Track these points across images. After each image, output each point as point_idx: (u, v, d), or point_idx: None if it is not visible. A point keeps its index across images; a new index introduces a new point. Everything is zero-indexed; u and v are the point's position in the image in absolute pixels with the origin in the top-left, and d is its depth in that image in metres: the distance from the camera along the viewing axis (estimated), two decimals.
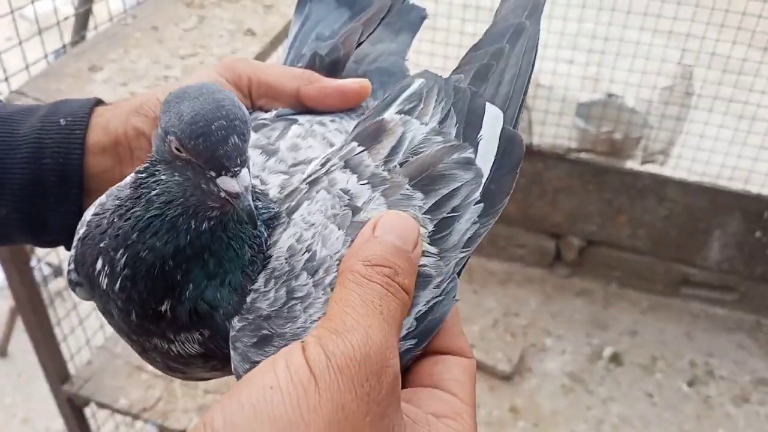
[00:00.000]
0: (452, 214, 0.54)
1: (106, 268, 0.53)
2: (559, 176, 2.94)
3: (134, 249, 0.51)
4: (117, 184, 0.60)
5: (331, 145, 0.64)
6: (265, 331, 0.50)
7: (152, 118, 0.67)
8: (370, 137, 0.58)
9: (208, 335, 0.52)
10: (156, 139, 0.51)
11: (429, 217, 0.54)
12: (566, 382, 2.75)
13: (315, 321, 0.49)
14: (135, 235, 0.51)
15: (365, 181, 0.55)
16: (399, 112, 0.60)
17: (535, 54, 0.66)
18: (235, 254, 0.52)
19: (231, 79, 0.69)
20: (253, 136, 0.62)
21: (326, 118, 0.69)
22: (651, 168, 2.87)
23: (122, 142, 0.68)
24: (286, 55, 0.78)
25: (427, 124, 0.58)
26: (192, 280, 0.51)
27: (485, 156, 0.58)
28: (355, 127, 0.62)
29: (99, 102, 0.72)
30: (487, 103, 0.61)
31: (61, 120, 0.68)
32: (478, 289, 3.10)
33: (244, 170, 0.47)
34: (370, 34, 0.76)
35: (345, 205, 0.54)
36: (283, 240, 0.53)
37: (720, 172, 2.86)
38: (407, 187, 0.54)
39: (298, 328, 0.49)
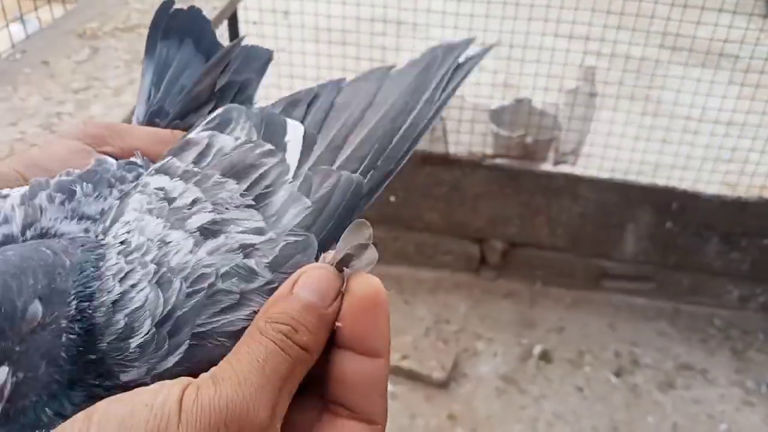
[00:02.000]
0: (266, 190, 0.57)
1: None
2: (477, 182, 2.99)
3: None
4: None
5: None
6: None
7: None
8: (178, 151, 0.60)
9: None
10: None
11: (248, 195, 0.56)
12: (500, 384, 2.79)
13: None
14: None
15: (177, 178, 0.56)
16: (203, 131, 0.61)
17: (430, 105, 0.66)
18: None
19: (96, 146, 0.66)
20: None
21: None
22: (564, 168, 2.96)
23: None
24: (147, 107, 0.75)
25: (238, 138, 0.60)
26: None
27: (293, 156, 0.61)
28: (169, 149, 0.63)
29: None
30: (287, 118, 0.64)
31: None
32: (409, 298, 3.11)
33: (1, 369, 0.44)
34: (217, 87, 0.77)
35: (160, 199, 0.54)
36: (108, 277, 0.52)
37: (628, 167, 2.97)
38: (218, 176, 0.56)
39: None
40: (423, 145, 2.97)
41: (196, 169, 0.57)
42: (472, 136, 2.95)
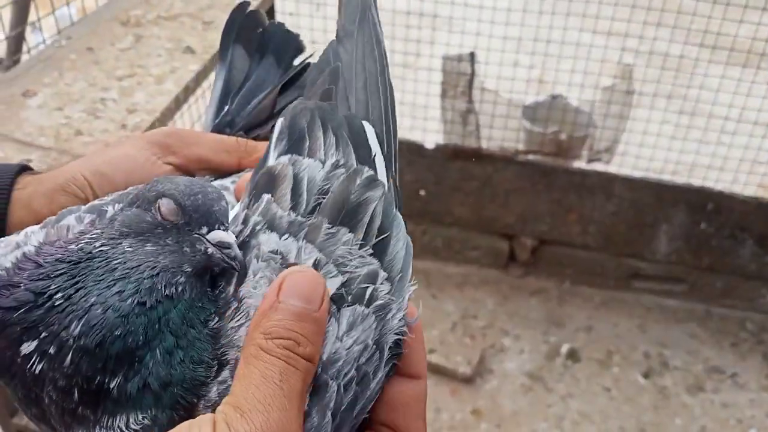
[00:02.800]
0: (382, 237, 0.55)
1: (46, 348, 0.48)
2: (509, 178, 2.98)
3: (93, 313, 0.48)
4: (29, 251, 0.54)
5: (233, 207, 0.64)
6: None
7: (82, 199, 0.64)
8: (268, 187, 0.58)
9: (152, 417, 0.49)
10: (122, 218, 0.52)
11: (366, 247, 0.54)
12: (526, 381, 2.78)
13: None
14: (95, 297, 0.48)
15: (286, 234, 0.54)
16: (281, 154, 0.60)
17: (379, 51, 0.68)
18: (197, 328, 0.50)
19: (162, 155, 0.67)
20: None
21: (227, 181, 0.69)
22: (597, 166, 2.93)
23: None
24: (216, 116, 0.76)
25: (324, 161, 0.58)
26: (151, 351, 0.49)
27: (381, 172, 0.60)
28: (251, 181, 0.62)
29: (23, 168, 0.68)
30: (363, 122, 0.63)
31: None
32: (437, 293, 3.11)
33: (230, 231, 0.50)
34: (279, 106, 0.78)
35: (282, 267, 0.53)
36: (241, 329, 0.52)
37: (663, 167, 2.93)
38: (327, 225, 0.54)
39: None
40: (455, 138, 2.96)
41: (300, 219, 0.55)
42: (505, 132, 2.93)
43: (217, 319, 0.51)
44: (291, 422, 0.44)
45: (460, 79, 2.85)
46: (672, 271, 3.04)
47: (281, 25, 0.81)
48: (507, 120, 2.92)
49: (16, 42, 1.73)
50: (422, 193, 3.09)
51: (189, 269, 0.51)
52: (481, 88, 2.88)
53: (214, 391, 0.49)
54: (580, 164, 2.94)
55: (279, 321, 0.47)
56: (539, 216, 3.04)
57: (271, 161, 0.59)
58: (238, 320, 0.51)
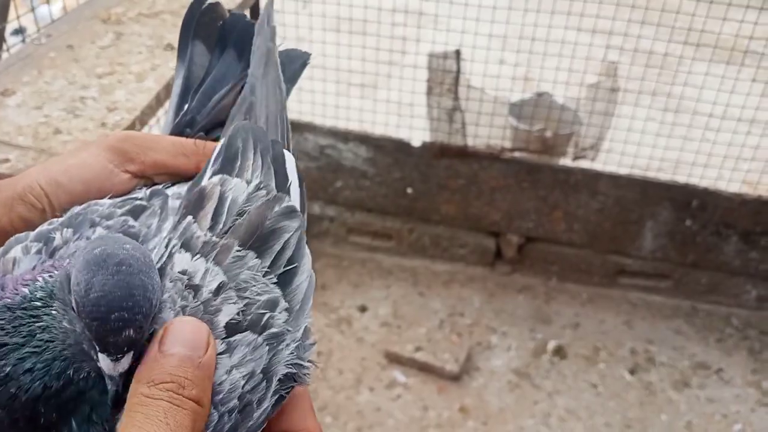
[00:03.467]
0: (290, 267, 0.55)
1: None
2: (494, 176, 2.98)
3: (6, 386, 0.48)
4: None
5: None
6: None
7: (39, 209, 0.63)
8: (195, 206, 0.58)
9: None
10: (61, 279, 0.50)
11: (271, 275, 0.54)
12: (513, 378, 2.78)
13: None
14: (8, 369, 0.48)
15: (198, 255, 0.54)
16: (215, 173, 0.60)
17: (281, 92, 0.70)
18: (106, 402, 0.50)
19: (119, 162, 0.66)
20: (134, 224, 0.61)
21: (185, 187, 0.67)
22: (583, 163, 2.94)
23: (9, 232, 0.62)
24: (176, 116, 0.74)
25: (249, 181, 0.59)
26: (67, 426, 0.49)
27: (296, 199, 0.61)
28: (185, 196, 0.61)
29: None
30: (284, 150, 0.64)
31: None
32: (424, 291, 3.11)
33: (126, 357, 0.47)
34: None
35: (186, 287, 0.52)
36: None
37: (648, 164, 2.94)
38: (237, 248, 0.54)
39: None
40: (441, 136, 2.96)
41: (214, 239, 0.55)
42: (491, 129, 2.93)
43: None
44: None
45: (445, 77, 2.85)
46: (657, 268, 3.06)
47: (242, 16, 0.78)
48: (493, 117, 2.92)
49: None
50: (409, 191, 3.09)
51: (87, 367, 0.50)
52: (467, 86, 2.88)
53: None
54: (565, 162, 2.95)
55: (162, 368, 0.46)
56: (525, 213, 3.04)
57: (204, 180, 0.59)
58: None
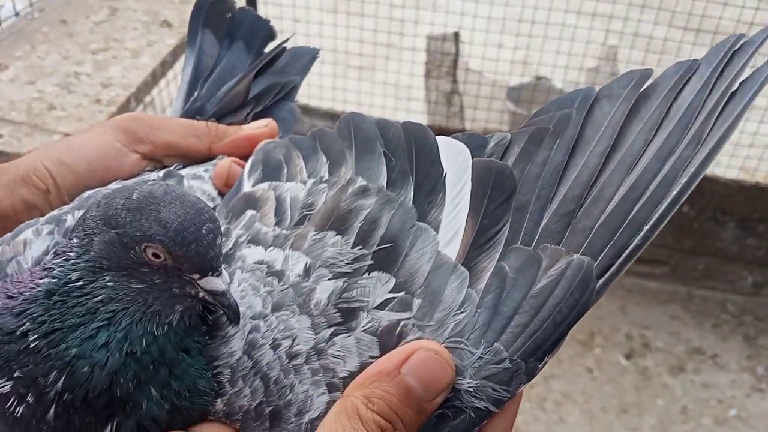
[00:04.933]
0: (388, 244, 0.51)
1: (23, 393, 0.45)
2: None
3: (75, 368, 0.45)
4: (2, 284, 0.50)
5: (212, 198, 0.63)
6: (268, 409, 0.46)
7: (43, 190, 0.60)
8: (247, 209, 0.57)
9: None
10: (101, 245, 0.47)
11: (363, 250, 0.51)
12: None
13: (309, 388, 0.46)
14: (76, 349, 0.45)
15: (271, 246, 0.53)
16: (256, 183, 0.59)
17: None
18: (189, 362, 0.48)
19: (128, 142, 0.64)
20: None
21: (201, 169, 0.67)
22: None
23: (10, 216, 0.60)
24: (185, 103, 0.74)
25: (305, 182, 0.57)
26: (145, 392, 0.47)
27: (455, 188, 0.55)
28: (224, 206, 0.60)
29: None
30: (440, 137, 0.59)
31: None
32: None
33: (224, 269, 0.47)
34: (254, 92, 0.76)
35: (268, 275, 0.51)
36: (234, 337, 0.50)
37: None
38: (313, 233, 0.52)
39: (300, 394, 0.46)
40: (439, 120, 2.94)
41: (285, 232, 0.53)
42: (489, 113, 2.92)
43: (210, 342, 0.50)
44: None
45: (444, 60, 2.83)
46: (654, 254, 3.05)
47: (250, 10, 0.81)
48: (491, 101, 2.90)
49: None
50: None
51: (180, 308, 0.48)
52: (466, 69, 2.86)
53: (219, 403, 0.48)
54: None
55: (387, 393, 0.43)
56: None
57: (246, 188, 0.58)
58: (230, 344, 0.49)
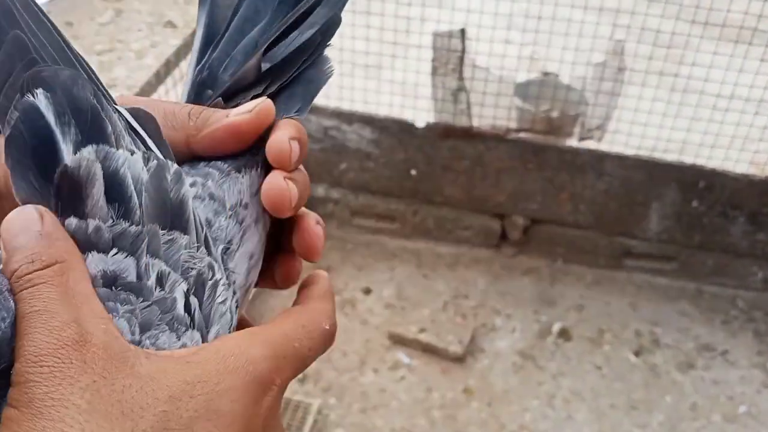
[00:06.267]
0: (222, 245, 0.50)
1: None
2: (500, 157, 2.96)
3: None
4: None
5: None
6: None
7: None
8: (70, 202, 0.43)
9: None
10: None
11: (201, 248, 0.47)
12: (517, 359, 2.78)
13: None
14: None
15: (121, 252, 0.43)
16: (77, 145, 0.43)
17: None
18: None
19: None
20: None
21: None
22: (589, 144, 2.91)
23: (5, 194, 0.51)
24: (195, 74, 0.56)
25: (133, 152, 0.43)
26: None
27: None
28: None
29: None
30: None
31: None
32: (428, 273, 3.10)
33: None
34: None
35: (119, 290, 0.43)
36: None
37: (655, 144, 2.91)
38: (161, 231, 0.45)
39: None
40: (446, 117, 2.94)
41: (132, 229, 0.41)
42: (496, 110, 2.91)
43: None
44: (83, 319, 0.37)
45: (450, 57, 2.82)
46: (663, 250, 3.04)
47: None
48: (498, 98, 2.90)
49: None
50: (413, 172, 3.07)
51: None
52: (473, 66, 2.85)
53: None
54: (571, 142, 2.92)
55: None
56: (531, 195, 3.02)
57: (66, 157, 0.40)
58: None
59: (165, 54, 1.47)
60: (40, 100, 0.39)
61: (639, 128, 2.88)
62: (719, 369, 2.77)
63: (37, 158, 0.40)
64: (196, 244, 0.44)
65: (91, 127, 0.41)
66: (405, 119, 2.96)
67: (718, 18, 2.72)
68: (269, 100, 0.52)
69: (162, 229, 0.42)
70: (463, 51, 2.83)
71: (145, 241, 0.41)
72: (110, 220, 0.41)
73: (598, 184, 2.93)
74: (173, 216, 0.43)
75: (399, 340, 2.79)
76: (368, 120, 2.98)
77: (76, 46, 1.34)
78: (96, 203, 0.40)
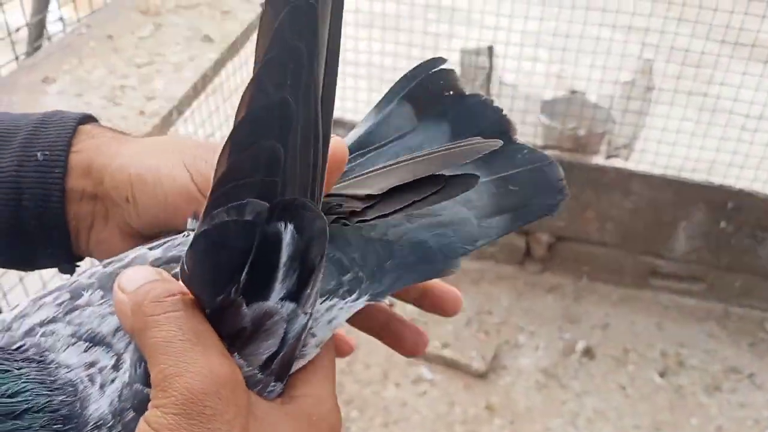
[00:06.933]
0: None
1: None
2: None
3: None
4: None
5: None
6: None
7: (123, 198, 0.55)
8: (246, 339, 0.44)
9: None
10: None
11: None
12: (540, 377, 2.76)
13: None
14: None
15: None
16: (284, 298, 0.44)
17: None
18: None
19: (201, 187, 0.53)
20: None
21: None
22: (616, 162, 2.91)
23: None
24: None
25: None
26: None
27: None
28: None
29: (82, 121, 0.59)
30: None
31: (39, 153, 0.56)
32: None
33: None
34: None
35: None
36: None
37: (683, 164, 2.90)
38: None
39: None
40: None
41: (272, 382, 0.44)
42: (523, 127, 2.92)
43: None
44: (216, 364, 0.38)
45: (478, 73, 2.84)
46: (690, 270, 3.01)
47: (482, 96, 0.57)
48: (525, 115, 2.90)
49: (37, 29, 1.75)
50: None
51: None
52: (500, 83, 2.87)
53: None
54: (598, 160, 2.92)
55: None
56: None
57: (271, 299, 0.40)
58: None
59: (202, 67, 1.50)
60: (286, 236, 0.39)
61: (667, 147, 2.87)
62: (746, 392, 2.73)
63: (234, 275, 0.39)
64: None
65: (302, 286, 0.41)
66: None
67: (748, 38, 2.71)
68: (341, 141, 0.49)
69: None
70: (491, 68, 2.85)
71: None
72: (257, 371, 0.41)
73: (624, 202, 2.92)
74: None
75: (422, 355, 2.79)
76: None
77: (116, 59, 1.35)
78: (257, 353, 0.41)
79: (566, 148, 2.92)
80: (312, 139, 0.40)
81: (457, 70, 2.97)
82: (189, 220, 0.51)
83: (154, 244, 0.48)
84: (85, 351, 0.42)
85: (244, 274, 0.38)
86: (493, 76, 2.85)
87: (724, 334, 2.94)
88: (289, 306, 0.40)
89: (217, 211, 0.37)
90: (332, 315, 0.47)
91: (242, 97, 0.38)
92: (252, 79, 0.38)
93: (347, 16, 2.92)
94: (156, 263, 0.46)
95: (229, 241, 0.38)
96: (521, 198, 0.54)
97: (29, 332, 0.43)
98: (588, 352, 2.85)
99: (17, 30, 1.64)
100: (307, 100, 0.39)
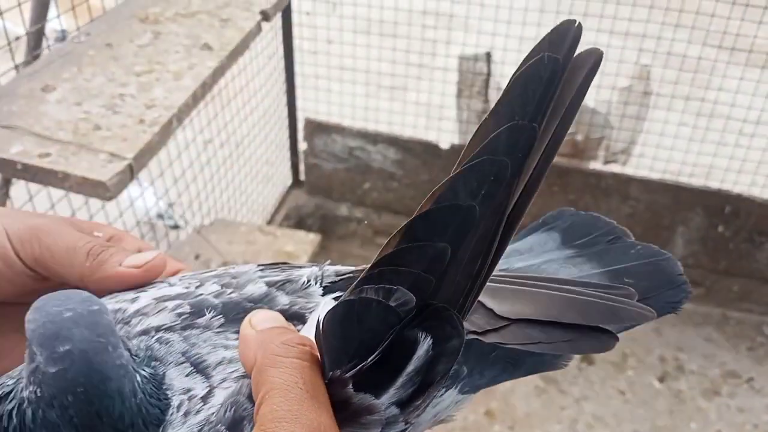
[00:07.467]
0: None
1: None
2: None
3: None
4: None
5: None
6: None
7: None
8: None
9: None
10: None
11: None
12: (540, 383, 2.76)
13: None
14: None
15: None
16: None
17: None
18: None
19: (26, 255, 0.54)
20: None
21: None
22: (614, 167, 2.91)
23: None
24: None
25: None
26: None
27: None
28: None
29: None
30: None
31: None
32: None
33: None
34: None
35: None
36: None
37: (681, 169, 2.91)
38: None
39: None
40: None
41: None
42: None
43: None
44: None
45: (476, 79, 2.85)
46: (688, 275, 2.96)
47: (653, 248, 0.57)
48: None
49: (36, 38, 1.75)
50: None
51: None
52: (497, 88, 2.87)
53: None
54: (596, 165, 2.93)
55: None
56: None
57: (381, 402, 0.41)
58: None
59: (202, 75, 1.50)
60: (421, 348, 0.40)
61: (664, 152, 2.88)
62: (745, 396, 2.73)
63: (358, 351, 0.40)
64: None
65: (415, 397, 0.41)
66: (429, 140, 2.98)
67: (745, 43, 2.72)
68: (162, 257, 0.54)
69: None
70: (489, 74, 2.85)
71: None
72: None
73: (623, 207, 2.93)
74: None
75: None
76: (393, 141, 3.01)
77: (116, 67, 1.35)
78: None
79: (564, 154, 2.92)
80: (483, 253, 0.41)
81: (455, 77, 2.96)
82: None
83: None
84: (187, 375, 0.44)
85: (368, 361, 0.39)
86: (492, 82, 2.86)
87: (723, 339, 2.95)
88: (394, 411, 0.40)
89: (368, 287, 0.39)
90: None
91: (434, 191, 0.40)
92: (449, 178, 0.40)
93: (346, 23, 2.93)
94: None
95: (366, 319, 0.39)
96: (639, 292, 0.54)
97: (145, 332, 0.46)
98: (587, 358, 2.85)
99: (17, 39, 1.65)
100: (494, 215, 0.40)
